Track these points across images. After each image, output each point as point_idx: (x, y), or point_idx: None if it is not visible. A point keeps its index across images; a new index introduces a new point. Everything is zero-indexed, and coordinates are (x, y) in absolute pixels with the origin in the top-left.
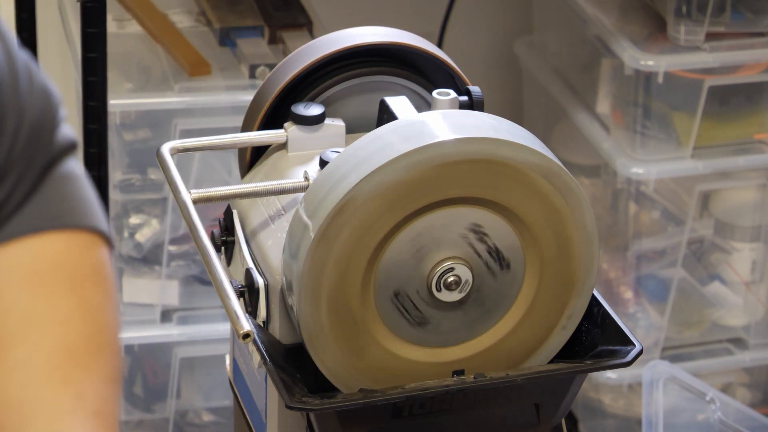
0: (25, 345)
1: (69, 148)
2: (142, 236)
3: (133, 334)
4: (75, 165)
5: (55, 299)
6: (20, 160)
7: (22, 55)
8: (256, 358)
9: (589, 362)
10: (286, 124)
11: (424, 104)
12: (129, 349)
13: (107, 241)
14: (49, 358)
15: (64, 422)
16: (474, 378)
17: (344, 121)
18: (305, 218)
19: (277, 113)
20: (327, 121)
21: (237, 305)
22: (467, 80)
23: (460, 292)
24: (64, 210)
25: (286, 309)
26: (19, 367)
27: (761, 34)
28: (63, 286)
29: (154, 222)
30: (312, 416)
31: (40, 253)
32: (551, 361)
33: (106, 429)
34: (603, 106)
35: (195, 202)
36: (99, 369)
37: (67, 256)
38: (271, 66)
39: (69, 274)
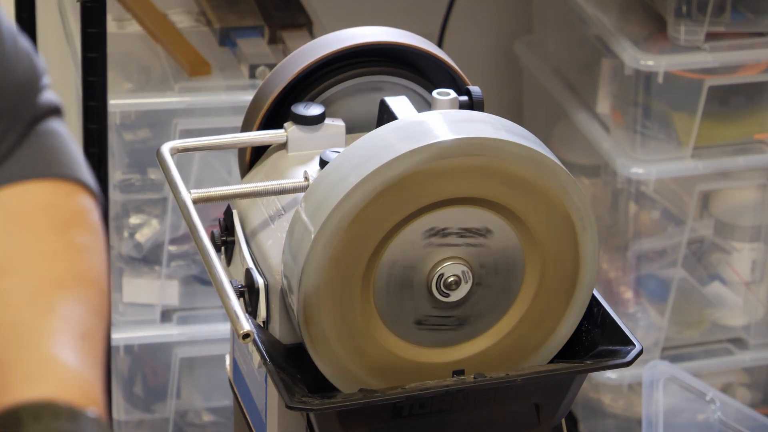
0: (13, 276)
1: (53, 110)
2: (142, 236)
3: (133, 334)
4: (59, 125)
5: (42, 238)
6: (6, 114)
7: (8, 23)
8: (256, 358)
9: (589, 362)
10: (286, 124)
11: (424, 104)
12: (129, 349)
13: (92, 193)
14: (36, 286)
15: (49, 340)
16: (474, 378)
17: (344, 121)
18: (305, 218)
19: (277, 113)
20: (327, 121)
21: (237, 305)
22: (467, 80)
23: (460, 292)
24: (48, 161)
25: (286, 309)
26: (6, 295)
27: (761, 34)
28: (49, 227)
29: (154, 222)
30: (312, 416)
31: (25, 198)
32: (551, 361)
33: (92, 352)
34: (603, 106)
35: (195, 202)
36: (85, 300)
37: (51, 200)
38: (271, 66)
39: (54, 216)
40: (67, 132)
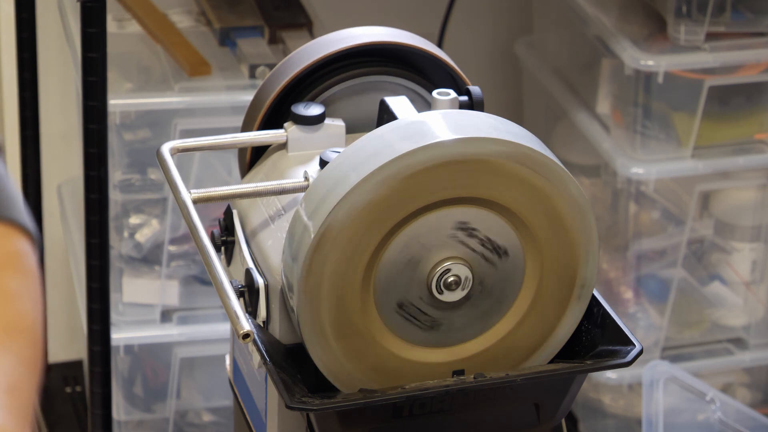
0: None
1: None
2: (142, 236)
3: (133, 334)
4: None
5: None
6: None
7: None
8: (256, 358)
9: (589, 362)
10: (286, 124)
11: (424, 104)
12: (129, 349)
13: (29, 235)
14: None
15: None
16: (474, 378)
17: (344, 121)
18: (305, 219)
19: (277, 113)
20: (327, 121)
21: (237, 305)
22: (467, 80)
23: (461, 291)
24: None
25: (286, 309)
26: None
27: (761, 34)
28: None
29: (154, 222)
30: (312, 416)
31: None
32: (551, 361)
33: (18, 406)
34: (603, 106)
35: (195, 202)
36: (14, 350)
37: None
38: (271, 66)
39: None
40: (4, 170)
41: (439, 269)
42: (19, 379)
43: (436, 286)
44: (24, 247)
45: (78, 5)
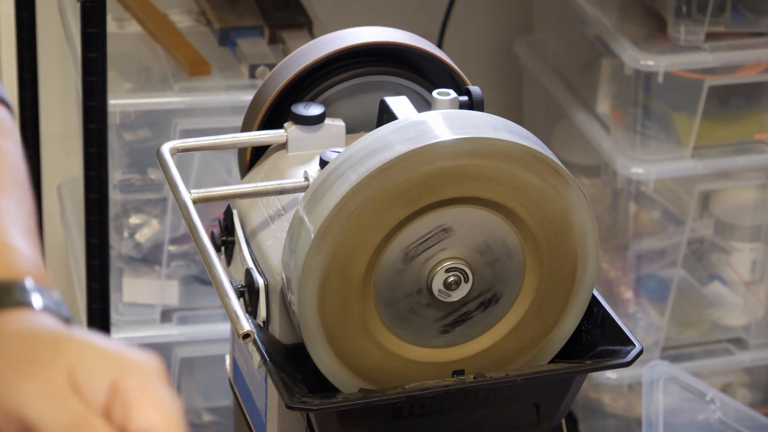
0: None
1: None
2: (142, 236)
3: (133, 334)
4: None
5: None
6: None
7: None
8: (256, 358)
9: (589, 362)
10: (286, 124)
11: (424, 104)
12: None
13: (6, 104)
14: None
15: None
16: (474, 378)
17: (344, 121)
18: (305, 218)
19: (277, 113)
20: (327, 121)
21: (237, 305)
22: (467, 80)
23: (460, 291)
24: None
25: (286, 309)
26: None
27: (761, 34)
28: None
29: (154, 222)
30: (312, 416)
31: None
32: (551, 361)
33: (38, 248)
34: (603, 106)
35: (195, 202)
36: (22, 200)
37: None
38: (271, 66)
39: None
40: None
41: (439, 269)
42: (31, 225)
43: (437, 285)
44: (5, 115)
45: (78, 5)
